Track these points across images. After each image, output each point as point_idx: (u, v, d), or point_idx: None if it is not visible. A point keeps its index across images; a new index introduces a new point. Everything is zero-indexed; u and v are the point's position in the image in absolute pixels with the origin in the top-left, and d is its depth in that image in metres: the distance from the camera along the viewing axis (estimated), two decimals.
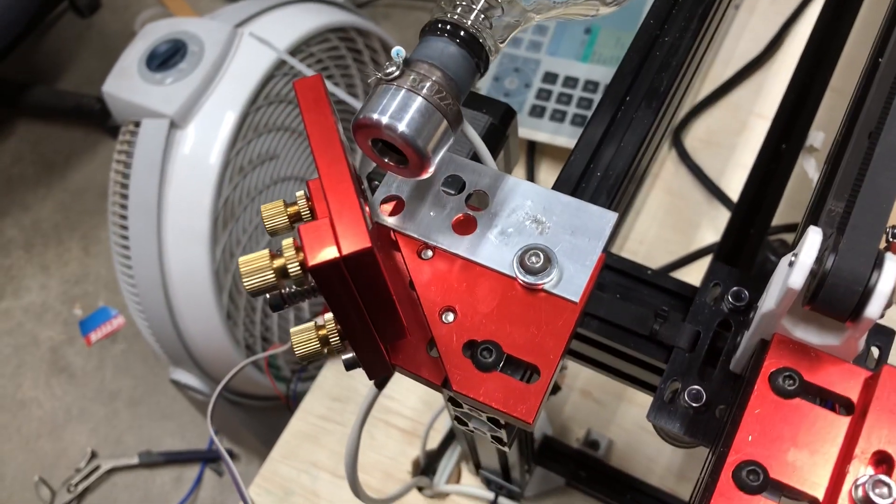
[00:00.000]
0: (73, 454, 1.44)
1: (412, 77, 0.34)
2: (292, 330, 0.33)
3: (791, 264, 0.33)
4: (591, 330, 0.43)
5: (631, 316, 0.42)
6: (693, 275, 0.78)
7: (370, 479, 0.73)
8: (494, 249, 0.37)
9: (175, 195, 0.95)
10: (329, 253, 0.27)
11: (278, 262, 0.29)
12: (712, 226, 0.80)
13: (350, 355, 0.35)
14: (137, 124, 0.93)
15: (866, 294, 0.31)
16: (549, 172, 0.85)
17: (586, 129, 0.41)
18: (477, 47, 0.35)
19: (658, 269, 0.78)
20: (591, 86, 0.82)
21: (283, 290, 0.32)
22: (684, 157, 0.83)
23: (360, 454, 0.78)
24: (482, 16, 0.35)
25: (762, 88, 0.86)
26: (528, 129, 0.82)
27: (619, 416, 0.74)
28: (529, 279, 0.36)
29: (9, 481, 1.41)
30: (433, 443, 0.73)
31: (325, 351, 0.34)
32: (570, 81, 0.83)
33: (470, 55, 0.35)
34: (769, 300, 0.35)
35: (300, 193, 0.34)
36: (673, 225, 0.80)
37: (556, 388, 0.69)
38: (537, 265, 0.36)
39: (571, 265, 0.36)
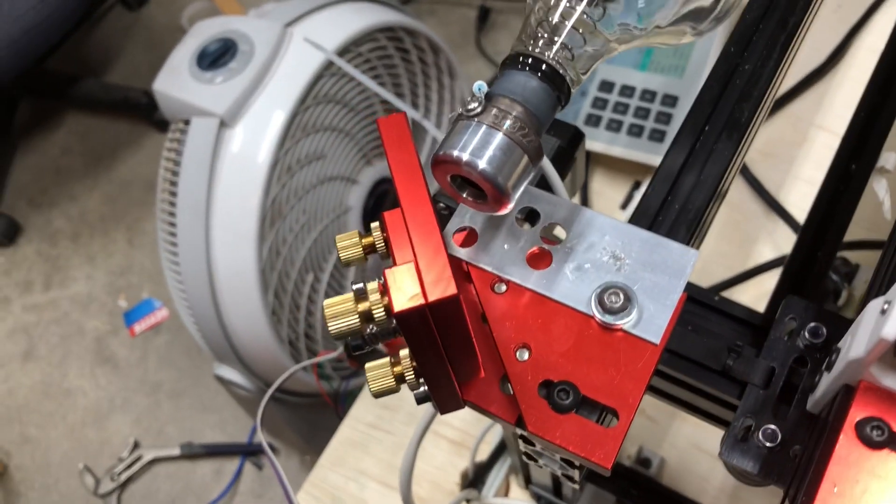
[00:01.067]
0: (117, 443, 1.46)
1: (493, 112, 0.33)
2: (367, 365, 0.33)
3: (884, 312, 0.32)
4: (661, 363, 0.42)
5: (704, 350, 0.41)
6: (751, 291, 0.76)
7: (418, 489, 0.73)
8: (570, 285, 0.36)
9: (223, 194, 0.95)
10: (415, 299, 0.27)
11: (363, 306, 0.29)
12: (770, 240, 0.79)
13: (422, 390, 0.34)
14: (187, 122, 0.94)
15: None
16: (602, 183, 0.84)
17: (665, 159, 0.40)
18: (559, 80, 0.34)
19: (716, 285, 0.77)
20: (648, 95, 0.81)
21: (364, 334, 0.31)
22: (743, 169, 0.81)
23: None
24: (564, 48, 0.34)
25: (824, 100, 0.84)
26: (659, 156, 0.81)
27: (672, 435, 0.73)
28: (608, 319, 0.35)
29: (55, 468, 1.43)
30: (482, 454, 0.73)
31: (399, 387, 0.33)
32: (627, 90, 0.82)
33: (551, 89, 0.34)
34: (857, 347, 0.34)
35: (375, 225, 0.34)
36: (730, 238, 0.79)
37: None
38: (617, 304, 0.35)
39: (651, 304, 0.35)
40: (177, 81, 0.95)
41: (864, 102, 0.61)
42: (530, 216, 0.38)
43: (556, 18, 0.34)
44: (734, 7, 0.39)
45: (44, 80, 1.75)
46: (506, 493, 0.73)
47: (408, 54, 1.13)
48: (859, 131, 0.60)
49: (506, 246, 0.37)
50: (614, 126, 0.81)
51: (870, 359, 0.33)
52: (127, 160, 1.71)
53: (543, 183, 0.43)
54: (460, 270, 0.37)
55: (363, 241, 0.34)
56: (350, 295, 0.29)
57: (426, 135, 1.16)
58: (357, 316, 0.29)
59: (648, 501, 0.69)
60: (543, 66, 0.34)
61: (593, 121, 0.82)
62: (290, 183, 0.99)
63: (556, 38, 0.34)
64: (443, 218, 0.41)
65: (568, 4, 0.35)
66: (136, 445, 1.44)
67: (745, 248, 0.78)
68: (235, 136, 0.94)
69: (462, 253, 0.37)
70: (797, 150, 0.82)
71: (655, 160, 0.79)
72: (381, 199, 1.16)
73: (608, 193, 0.84)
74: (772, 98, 0.43)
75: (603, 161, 0.84)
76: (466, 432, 0.75)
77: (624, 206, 0.82)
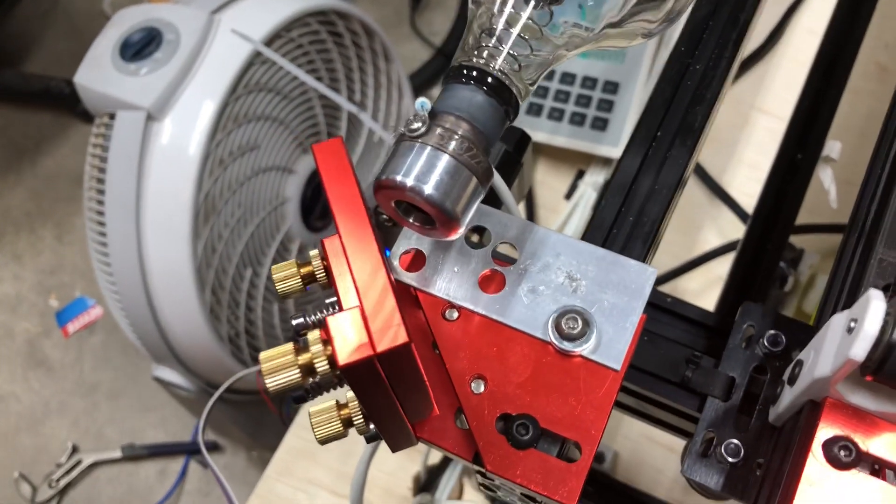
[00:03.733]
0: (54, 449, 1.40)
1: (438, 132, 0.30)
2: (311, 410, 0.30)
3: (850, 331, 0.31)
4: (627, 379, 0.41)
5: (661, 362, 0.40)
6: (699, 279, 0.75)
7: (370, 495, 0.71)
8: (526, 310, 0.34)
9: (154, 189, 0.92)
10: (362, 350, 0.25)
11: (304, 358, 0.27)
12: (715, 226, 0.78)
13: (372, 431, 0.32)
14: (112, 116, 0.90)
15: None
16: (546, 173, 0.82)
17: (618, 168, 0.38)
18: (506, 94, 0.32)
19: (664, 275, 0.76)
20: (589, 83, 0.79)
21: (306, 385, 0.29)
22: None
23: None
24: (511, 58, 0.32)
25: (763, 82, 0.84)
26: (525, 129, 0.78)
27: (625, 427, 0.72)
28: (566, 346, 0.33)
29: None
30: (434, 458, 0.71)
31: (347, 432, 0.31)
32: (568, 78, 0.80)
33: (499, 103, 0.32)
34: (822, 365, 0.32)
35: (314, 253, 0.31)
36: (675, 226, 0.77)
37: None
38: (575, 330, 0.33)
39: (610, 328, 0.33)
40: (99, 74, 0.90)
41: (807, 91, 0.60)
42: (481, 236, 0.36)
43: (500, 25, 0.32)
44: (686, 7, 0.37)
45: None
46: (459, 496, 0.71)
47: (341, 38, 1.10)
48: (803, 119, 0.59)
49: (456, 268, 0.35)
50: (556, 115, 0.79)
51: (836, 378, 0.32)
52: (52, 153, 1.63)
53: (491, 194, 0.41)
54: (409, 297, 0.35)
55: (301, 270, 0.31)
56: (289, 346, 0.27)
57: (362, 127, 1.13)
58: (297, 370, 0.27)
59: (603, 497, 0.69)
60: (489, 80, 0.31)
61: (535, 110, 0.80)
62: (223, 176, 0.95)
63: (501, 48, 0.32)
64: (386, 231, 0.38)
65: (513, 10, 0.33)
66: (74, 450, 1.39)
67: (690, 235, 0.77)
68: (164, 129, 0.90)
69: (410, 278, 0.35)
70: (739, 133, 0.81)
71: (598, 149, 0.78)
72: (319, 189, 1.13)
73: (552, 184, 0.82)
74: (723, 98, 0.42)
75: (546, 151, 0.82)
76: None
77: (568, 195, 0.80)
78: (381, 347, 0.25)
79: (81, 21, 1.75)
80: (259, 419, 1.34)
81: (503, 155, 0.44)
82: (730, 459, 0.38)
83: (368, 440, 0.33)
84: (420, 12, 1.67)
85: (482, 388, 0.33)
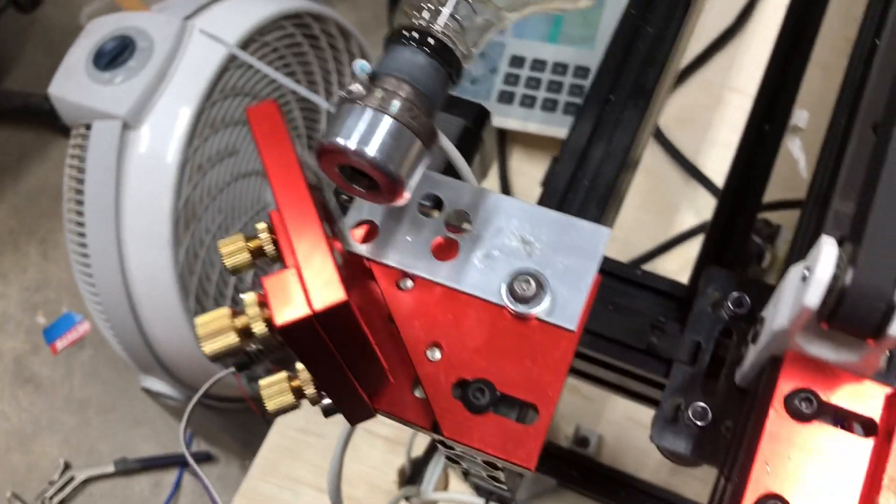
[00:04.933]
0: (46, 466, 1.39)
1: (379, 94, 0.30)
2: (261, 382, 0.30)
3: (804, 279, 0.31)
4: (582, 345, 0.40)
5: (626, 329, 0.40)
6: (676, 260, 0.75)
7: (355, 491, 0.70)
8: (480, 275, 0.34)
9: (133, 198, 0.91)
10: (298, 310, 0.24)
11: (241, 321, 0.26)
12: (692, 207, 0.78)
13: (328, 402, 0.32)
14: (88, 127, 0.89)
15: (891, 310, 0.28)
16: (521, 161, 0.82)
17: (571, 133, 0.38)
18: (448, 55, 0.31)
19: (640, 257, 0.76)
20: (560, 68, 0.79)
21: (248, 350, 0.28)
22: (659, 137, 0.80)
23: (346, 467, 0.75)
24: (452, 19, 0.32)
25: (734, 61, 0.84)
26: (498, 117, 0.78)
27: (609, 411, 0.72)
28: (520, 308, 0.33)
29: None
30: (418, 449, 0.71)
31: (300, 402, 0.30)
32: (539, 64, 0.80)
33: (441, 64, 0.31)
34: (780, 317, 0.32)
35: (262, 226, 0.31)
36: (651, 208, 0.78)
37: None
38: (528, 292, 0.33)
39: (565, 289, 0.33)
40: (74, 84, 0.90)
41: (773, 61, 0.60)
42: (434, 204, 0.35)
43: None
44: None
45: None
46: (445, 487, 0.71)
47: (317, 41, 1.10)
48: (770, 91, 0.59)
49: (409, 238, 0.35)
50: (528, 102, 0.78)
51: (794, 328, 0.32)
52: (34, 170, 1.63)
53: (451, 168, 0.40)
54: (362, 268, 0.34)
55: (250, 243, 0.31)
56: (225, 310, 0.26)
57: None
58: (235, 333, 0.26)
59: (589, 482, 0.68)
60: (430, 40, 0.31)
61: (506, 98, 0.80)
62: (202, 182, 0.95)
63: (442, 8, 0.32)
64: (345, 209, 0.38)
65: None
66: (66, 466, 1.38)
67: (666, 216, 0.77)
68: (141, 137, 0.90)
69: (363, 249, 0.35)
70: (712, 114, 0.81)
71: None
72: None
73: (527, 171, 0.82)
74: (678, 60, 0.42)
75: (520, 139, 0.82)
76: (401, 428, 0.72)
77: (544, 182, 0.80)
78: (319, 306, 0.24)
79: (59, 36, 1.75)
80: (251, 428, 1.33)
81: (463, 130, 0.44)
82: (697, 423, 0.37)
83: (326, 414, 0.33)
84: None
85: (438, 356, 0.32)
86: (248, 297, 0.26)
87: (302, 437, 0.73)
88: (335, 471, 0.51)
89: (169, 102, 0.90)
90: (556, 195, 0.37)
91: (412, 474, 0.71)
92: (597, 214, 0.36)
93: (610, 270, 0.43)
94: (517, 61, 0.80)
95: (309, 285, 0.25)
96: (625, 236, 0.77)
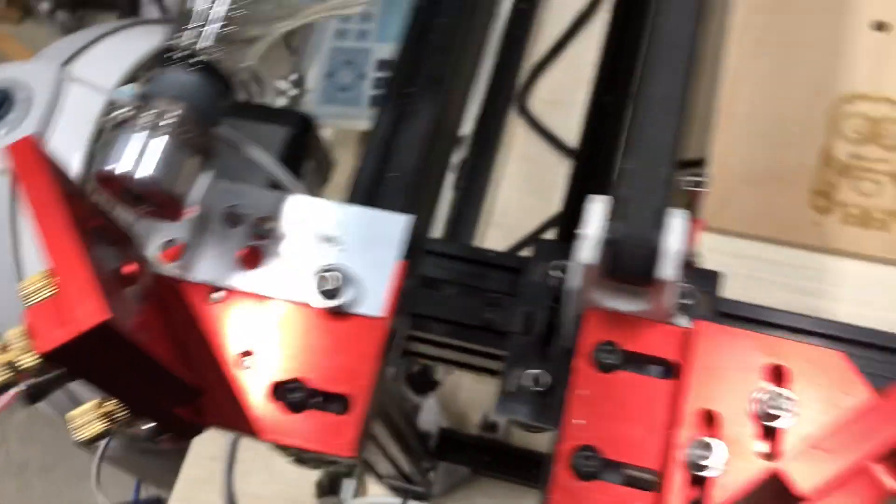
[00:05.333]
0: None
1: (149, 116, 0.31)
2: (68, 415, 0.30)
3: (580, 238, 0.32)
4: (427, 331, 0.41)
5: (460, 309, 0.41)
6: None
7: None
8: (286, 278, 0.34)
9: (32, 250, 0.90)
10: (57, 337, 0.24)
11: (7, 357, 0.26)
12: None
13: (149, 428, 0.32)
14: None
15: (654, 255, 0.30)
16: None
17: (374, 131, 0.39)
18: (213, 71, 0.32)
19: (525, 237, 0.77)
20: None
21: (38, 381, 0.28)
22: (533, 122, 0.81)
23: (263, 487, 0.75)
24: (215, 35, 0.32)
25: (596, 40, 0.85)
26: (348, 119, 0.79)
27: None
28: (329, 303, 0.33)
29: None
30: None
31: (116, 427, 0.31)
32: (384, 65, 0.81)
33: (209, 80, 0.32)
34: (573, 278, 0.33)
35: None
36: (533, 191, 0.79)
37: (435, 383, 0.67)
38: (334, 287, 0.33)
39: (371, 278, 0.34)
40: None
41: (611, 36, 0.62)
42: (238, 215, 0.36)
43: (201, 4, 0.32)
44: None
45: None
46: (364, 492, 0.71)
47: None
48: (609, 64, 0.61)
49: (215, 251, 0.35)
50: (379, 102, 0.79)
51: (585, 286, 0.33)
52: None
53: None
54: (172, 290, 0.35)
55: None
56: None
57: None
58: (4, 368, 0.26)
59: (501, 465, 0.69)
60: (195, 60, 0.32)
61: (379, 102, 0.80)
62: None
63: (205, 26, 0.32)
64: None
65: None
66: None
67: (547, 197, 0.78)
68: None
69: (169, 269, 0.35)
70: (579, 93, 0.83)
71: None
72: None
73: None
74: (483, 43, 0.43)
75: None
76: None
77: None
78: (77, 331, 0.25)
79: None
80: None
81: (289, 139, 0.45)
82: (533, 388, 0.38)
83: (150, 437, 0.33)
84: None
85: (252, 364, 0.33)
86: (12, 332, 0.26)
87: (217, 465, 0.73)
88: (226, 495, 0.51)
89: (58, 150, 0.89)
90: (364, 191, 0.38)
91: (330, 485, 0.71)
92: (406, 204, 0.37)
93: (464, 255, 0.44)
94: (383, 65, 0.81)
95: (68, 309, 0.25)
96: (512, 222, 0.79)
